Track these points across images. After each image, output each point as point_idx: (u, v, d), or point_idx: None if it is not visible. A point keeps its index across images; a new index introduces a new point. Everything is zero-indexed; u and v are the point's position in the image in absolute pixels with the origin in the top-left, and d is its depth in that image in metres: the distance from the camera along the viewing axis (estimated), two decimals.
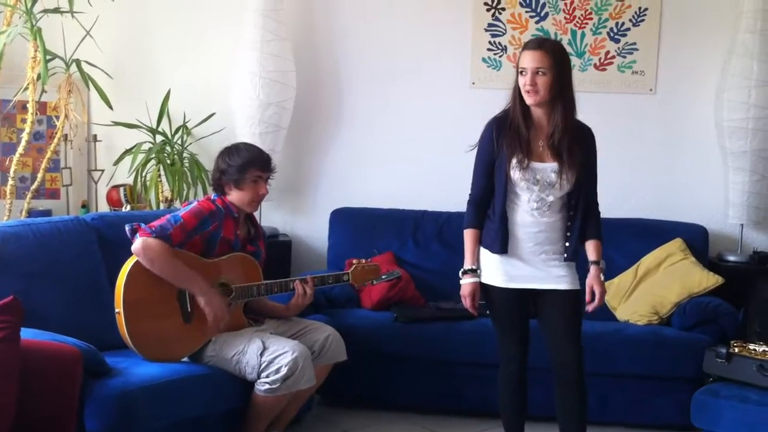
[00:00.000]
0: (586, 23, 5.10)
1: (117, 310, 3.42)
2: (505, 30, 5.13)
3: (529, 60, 3.20)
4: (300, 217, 5.33)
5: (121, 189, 5.01)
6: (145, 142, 5.00)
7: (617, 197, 5.08)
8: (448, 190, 5.02)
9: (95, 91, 4.82)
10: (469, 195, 3.39)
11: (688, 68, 5.07)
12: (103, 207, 5.11)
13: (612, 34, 5.10)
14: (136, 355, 3.44)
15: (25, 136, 4.61)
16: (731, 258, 4.87)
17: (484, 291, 3.35)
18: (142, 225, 3.48)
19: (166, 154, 4.97)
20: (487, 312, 3.42)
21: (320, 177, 5.30)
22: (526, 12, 5.11)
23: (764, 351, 3.86)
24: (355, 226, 4.98)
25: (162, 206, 4.92)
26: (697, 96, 5.05)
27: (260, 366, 3.45)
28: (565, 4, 5.09)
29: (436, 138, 5.18)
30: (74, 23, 4.71)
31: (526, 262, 3.29)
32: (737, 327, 4.25)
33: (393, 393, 4.42)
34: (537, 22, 5.11)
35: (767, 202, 4.90)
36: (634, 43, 5.08)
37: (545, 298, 3.31)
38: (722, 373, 3.90)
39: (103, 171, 5.12)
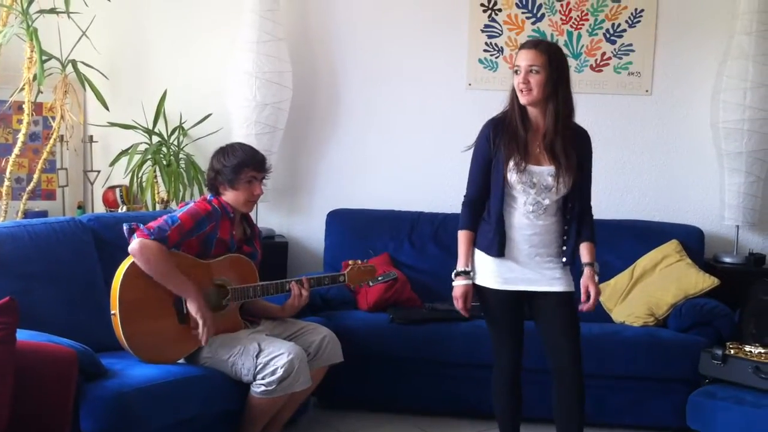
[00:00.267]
0: (583, 24, 5.11)
1: (113, 312, 3.42)
2: (502, 31, 5.13)
3: (523, 58, 3.21)
4: (296, 219, 5.32)
5: (117, 190, 5.00)
6: (141, 143, 4.99)
7: (613, 198, 5.09)
8: (445, 191, 5.04)
9: (91, 92, 4.80)
10: (465, 196, 3.38)
11: (684, 70, 5.08)
12: (99, 208, 5.11)
13: (608, 36, 5.10)
14: (131, 357, 3.43)
15: (21, 137, 4.60)
16: (727, 259, 4.88)
17: (479, 293, 3.35)
18: (140, 226, 3.48)
19: (162, 155, 4.96)
20: (481, 314, 3.42)
21: (316, 178, 5.30)
22: (523, 13, 5.11)
23: (760, 353, 3.87)
24: (351, 228, 4.98)
25: (158, 207, 4.91)
26: (693, 97, 5.06)
27: (256, 368, 3.45)
28: (562, 5, 5.09)
29: (432, 139, 5.18)
30: (70, 24, 4.70)
31: (520, 264, 3.29)
32: (733, 328, 4.26)
33: (389, 394, 4.42)
34: (533, 23, 5.11)
35: (763, 203, 4.91)
36: (630, 45, 5.09)
37: (540, 301, 3.31)
38: (718, 375, 3.91)
39: (99, 172, 5.11)
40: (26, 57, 4.57)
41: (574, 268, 3.35)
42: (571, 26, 5.11)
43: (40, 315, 3.42)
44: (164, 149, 5.00)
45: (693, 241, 4.81)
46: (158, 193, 4.96)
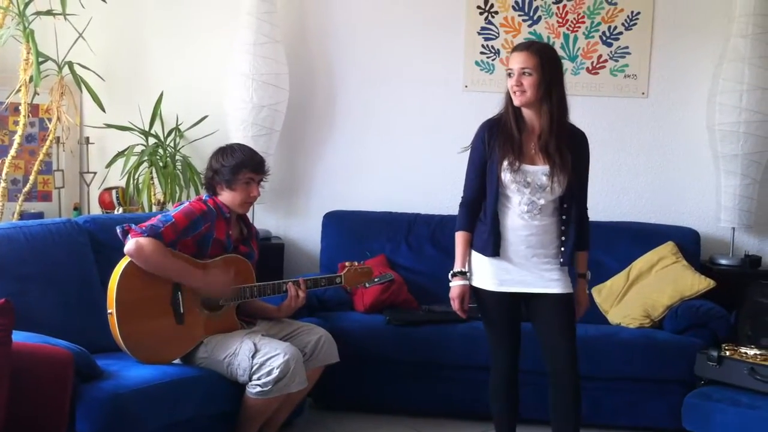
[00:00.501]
0: (579, 27, 5.11)
1: (109, 311, 3.41)
2: (498, 33, 5.14)
3: (516, 61, 3.22)
4: (293, 220, 5.32)
5: (114, 191, 5.01)
6: (137, 145, 4.99)
7: (609, 201, 5.10)
8: (441, 193, 5.05)
9: (87, 94, 4.80)
10: (462, 197, 3.39)
11: (680, 72, 5.09)
12: (96, 209, 5.10)
13: (604, 38, 5.11)
14: (127, 358, 3.43)
15: (17, 139, 4.60)
16: (723, 261, 4.89)
17: (476, 294, 3.36)
18: (133, 226, 3.48)
19: (158, 157, 4.96)
20: (478, 315, 3.43)
21: (313, 180, 5.30)
22: (519, 15, 5.12)
23: (756, 354, 3.87)
24: (348, 229, 4.98)
25: (154, 209, 4.91)
26: (689, 100, 5.07)
27: (252, 368, 3.45)
28: (558, 8, 5.10)
29: (429, 141, 5.18)
30: (67, 25, 4.70)
31: (517, 266, 3.29)
32: (729, 330, 4.27)
33: (385, 396, 4.42)
34: (530, 26, 5.12)
35: (758, 205, 4.92)
36: (627, 47, 5.10)
37: (538, 302, 3.31)
38: (714, 377, 3.92)
39: (95, 173, 5.11)
40: (23, 58, 4.57)
41: (572, 269, 3.35)
42: (568, 29, 5.12)
43: (36, 316, 3.41)
44: (161, 151, 5.00)
45: (689, 243, 4.81)
46: (154, 194, 4.96)
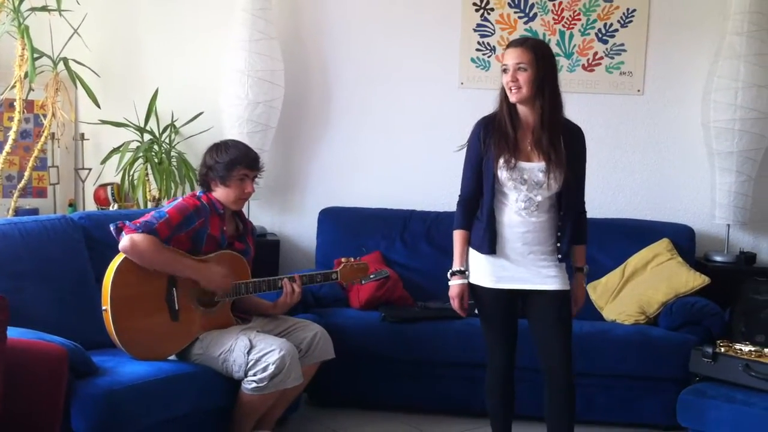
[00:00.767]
0: (575, 24, 5.11)
1: (104, 308, 3.41)
2: (494, 30, 5.14)
3: (511, 56, 3.22)
4: (288, 217, 5.32)
5: (109, 188, 5.00)
6: (132, 141, 4.98)
7: (604, 197, 5.10)
8: (437, 189, 5.05)
9: (83, 90, 4.80)
10: (459, 196, 3.38)
11: (675, 69, 5.09)
12: (91, 206, 5.09)
13: (600, 35, 5.11)
14: (122, 354, 3.43)
15: (12, 135, 4.60)
16: (718, 258, 4.90)
17: (473, 291, 3.35)
18: (127, 222, 3.47)
19: (153, 153, 4.95)
20: (475, 312, 3.43)
21: (309, 176, 5.30)
22: (515, 12, 5.12)
23: (750, 351, 3.88)
24: (343, 226, 4.98)
25: (150, 205, 4.90)
26: (685, 97, 5.08)
27: (247, 364, 3.45)
28: (554, 5, 5.10)
29: (424, 138, 5.18)
30: (62, 21, 4.70)
31: (514, 263, 3.29)
32: (723, 327, 4.28)
33: (380, 392, 4.42)
34: (525, 23, 5.12)
35: (753, 202, 4.92)
36: (622, 44, 5.10)
37: (534, 299, 3.31)
38: (708, 373, 3.92)
39: (90, 170, 5.10)
40: (17, 54, 4.57)
41: (568, 264, 3.36)
42: (564, 26, 5.12)
43: (31, 313, 3.41)
44: (156, 147, 4.99)
45: (684, 240, 4.82)
46: (150, 191, 4.96)
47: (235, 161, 3.67)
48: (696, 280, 4.53)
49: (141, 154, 4.91)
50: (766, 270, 4.81)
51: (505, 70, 3.23)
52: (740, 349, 3.90)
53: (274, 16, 5.01)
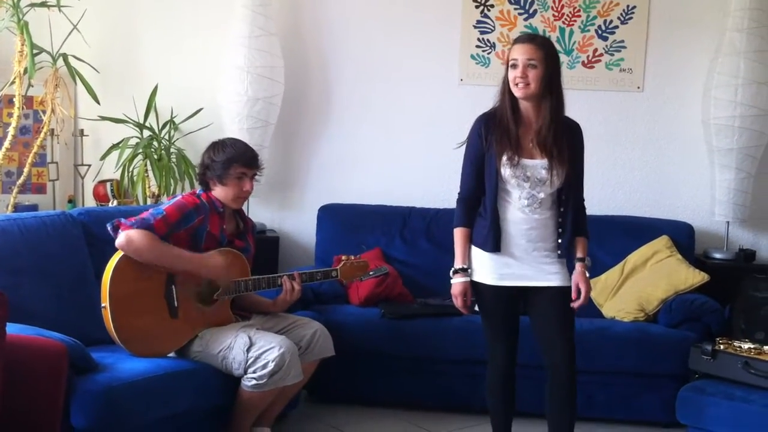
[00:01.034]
0: (575, 21, 5.11)
1: (103, 305, 3.41)
2: (494, 27, 5.13)
3: (521, 52, 3.20)
4: (288, 213, 5.32)
5: (108, 184, 4.99)
6: (132, 137, 4.97)
7: (604, 194, 5.10)
8: (436, 186, 5.05)
9: (82, 86, 4.79)
10: (458, 193, 3.38)
11: (675, 66, 5.09)
12: (90, 202, 5.09)
13: (600, 32, 5.11)
14: (122, 351, 3.42)
15: (11, 131, 4.59)
16: (717, 255, 4.90)
17: (474, 289, 3.34)
18: (122, 220, 3.46)
19: (153, 149, 4.95)
20: (476, 309, 3.42)
21: (308, 173, 5.30)
22: (515, 9, 5.11)
23: (750, 348, 3.88)
24: (343, 222, 4.98)
25: (149, 201, 4.90)
26: (685, 94, 5.07)
27: (247, 361, 3.44)
28: (554, 1, 5.09)
29: (424, 134, 5.18)
30: (61, 17, 4.69)
31: (517, 260, 3.28)
32: (723, 324, 4.27)
33: (380, 389, 4.42)
34: (525, 19, 5.11)
35: (753, 199, 4.92)
36: (622, 41, 5.10)
37: (537, 296, 3.31)
38: (708, 370, 3.92)
39: (89, 166, 5.10)
40: (17, 50, 4.56)
41: (569, 262, 3.35)
42: (563, 22, 5.11)
43: (30, 309, 3.41)
44: (155, 143, 4.99)
45: (683, 237, 4.82)
46: (149, 187, 4.95)
47: (232, 160, 3.66)
48: (695, 277, 4.53)
49: (140, 151, 4.91)
50: (766, 267, 4.80)
51: (514, 66, 3.21)
52: (739, 347, 3.90)
53: (274, 12, 5.00)
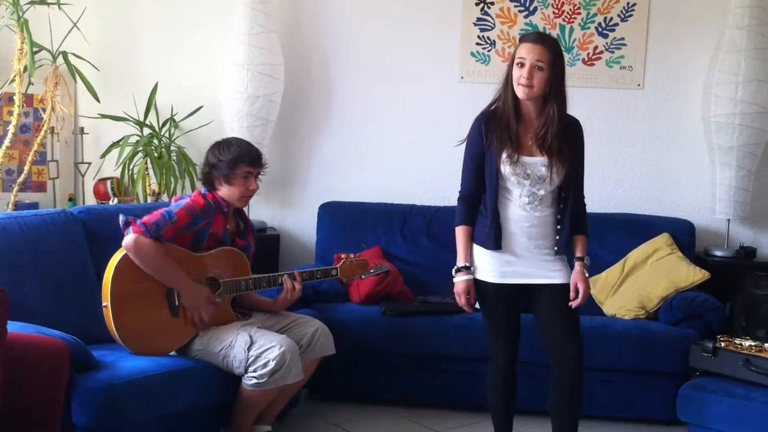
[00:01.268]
0: (575, 18, 5.11)
1: (104, 304, 3.41)
2: (494, 24, 5.13)
3: (530, 52, 3.18)
4: (288, 211, 5.32)
5: (109, 182, 4.99)
6: (132, 135, 4.97)
7: (604, 192, 5.10)
8: (437, 184, 5.05)
9: (82, 84, 4.79)
10: (459, 191, 3.37)
11: (676, 64, 5.09)
12: (90, 200, 5.09)
13: (600, 29, 5.11)
14: (123, 349, 3.42)
15: (11, 129, 4.59)
16: (718, 253, 4.90)
17: (476, 287, 3.33)
18: (137, 220, 3.45)
19: (153, 147, 4.95)
20: (476, 306, 3.42)
21: (308, 170, 5.29)
22: (515, 6, 5.11)
23: (750, 345, 3.88)
24: (343, 220, 4.98)
25: (149, 199, 4.90)
26: (685, 91, 5.07)
27: (248, 360, 3.44)
28: None
29: (424, 132, 5.18)
30: (61, 15, 4.68)
31: (519, 257, 3.28)
32: (723, 322, 4.28)
33: (381, 387, 4.42)
34: (526, 17, 5.11)
35: (753, 197, 4.92)
36: (623, 39, 5.09)
37: (539, 293, 3.30)
38: (708, 368, 3.92)
39: (90, 164, 5.10)
40: (17, 48, 4.55)
41: (568, 258, 3.35)
42: (564, 20, 5.11)
43: (31, 307, 3.41)
44: (155, 141, 4.98)
45: (684, 235, 4.82)
46: (149, 185, 4.95)
47: (238, 159, 3.66)
48: (696, 274, 4.53)
49: (140, 149, 4.91)
50: (767, 264, 4.81)
51: (520, 65, 3.19)
52: (740, 344, 3.90)
53: (274, 9, 5.00)
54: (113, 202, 4.91)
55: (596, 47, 5.11)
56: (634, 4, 5.06)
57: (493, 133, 3.25)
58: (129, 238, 3.41)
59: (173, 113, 5.08)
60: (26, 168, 4.75)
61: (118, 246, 3.46)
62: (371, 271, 3.97)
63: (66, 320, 3.42)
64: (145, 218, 3.47)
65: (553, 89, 3.19)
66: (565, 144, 3.24)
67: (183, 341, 3.55)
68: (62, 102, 4.81)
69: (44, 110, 4.80)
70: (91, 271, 3.75)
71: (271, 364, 3.42)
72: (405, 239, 4.93)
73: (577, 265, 3.33)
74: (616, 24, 5.09)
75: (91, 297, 3.62)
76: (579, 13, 5.10)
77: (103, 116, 4.95)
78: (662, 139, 5.13)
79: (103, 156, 4.98)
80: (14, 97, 4.58)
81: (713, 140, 4.87)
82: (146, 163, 4.91)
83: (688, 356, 4.02)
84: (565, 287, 3.29)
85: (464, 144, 3.37)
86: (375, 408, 4.38)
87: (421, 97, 5.20)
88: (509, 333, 3.37)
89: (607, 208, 4.99)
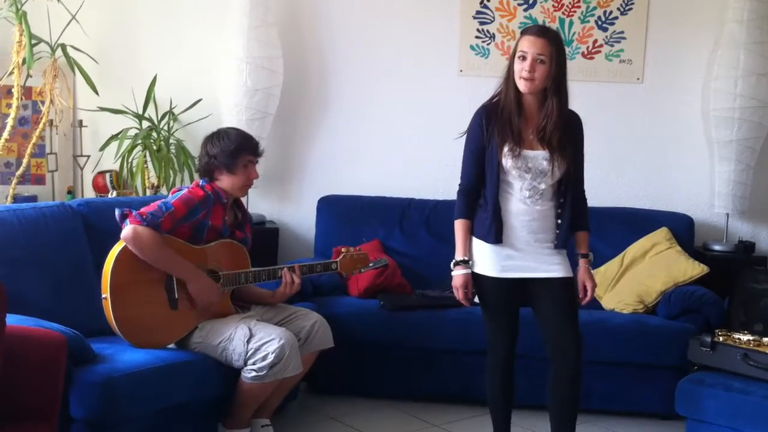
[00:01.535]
0: (574, 11, 5.10)
1: (104, 296, 3.40)
2: (494, 18, 5.12)
3: (532, 45, 3.16)
4: (287, 205, 5.32)
5: (107, 175, 4.99)
6: (131, 128, 4.97)
7: (604, 186, 5.09)
8: (436, 178, 5.04)
9: (81, 76, 4.78)
10: (459, 185, 3.36)
11: (675, 57, 5.08)
12: (89, 193, 5.09)
13: (600, 23, 5.10)
14: (121, 342, 3.42)
15: (10, 121, 4.58)
16: (716, 247, 4.90)
17: (476, 281, 3.33)
18: (133, 212, 3.45)
19: (152, 140, 4.94)
20: (476, 300, 3.41)
21: (307, 164, 5.29)
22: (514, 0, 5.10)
23: (749, 340, 3.88)
24: (342, 214, 4.98)
25: (148, 192, 4.90)
26: (684, 85, 5.07)
27: (247, 353, 3.44)
28: None
29: (423, 125, 5.17)
30: (60, 7, 4.68)
31: (519, 251, 3.27)
32: (722, 316, 4.28)
33: (379, 380, 4.43)
34: (525, 10, 5.10)
35: (753, 191, 4.92)
36: (622, 32, 5.09)
37: (539, 287, 3.30)
38: (707, 362, 3.92)
39: (88, 157, 5.09)
40: (15, 41, 4.55)
41: (568, 253, 3.34)
42: (563, 13, 5.10)
43: (29, 300, 3.40)
44: (154, 134, 4.98)
45: (683, 229, 4.82)
46: (148, 178, 4.95)
47: (240, 148, 3.65)
48: (695, 269, 4.53)
49: (139, 141, 4.90)
50: (765, 259, 4.82)
51: (522, 58, 3.18)
52: (739, 339, 3.90)
53: (273, 2, 4.99)
54: (112, 195, 4.91)
55: (596, 41, 5.11)
56: None
57: (494, 127, 3.24)
58: (127, 229, 3.40)
59: (172, 106, 5.08)
60: (25, 161, 4.74)
61: (117, 239, 3.45)
62: (371, 264, 3.97)
63: (64, 313, 3.41)
64: (142, 209, 3.47)
65: (555, 83, 3.19)
66: (566, 137, 3.23)
67: (182, 333, 3.55)
68: (61, 95, 4.81)
69: (43, 103, 4.79)
70: (89, 263, 3.74)
71: (271, 357, 3.42)
72: (403, 233, 4.93)
73: (582, 262, 3.34)
74: (616, 17, 5.08)
75: (89, 290, 3.61)
76: (579, 7, 5.09)
77: (102, 109, 4.94)
78: (661, 133, 5.13)
79: (102, 149, 4.97)
80: (13, 90, 4.58)
81: (712, 134, 4.86)
82: (145, 156, 4.91)
83: (687, 350, 4.01)
84: (564, 281, 3.29)
85: (464, 137, 3.35)
86: (373, 401, 4.38)
87: (421, 90, 5.19)
88: (509, 327, 3.37)
89: (605, 203, 4.99)
